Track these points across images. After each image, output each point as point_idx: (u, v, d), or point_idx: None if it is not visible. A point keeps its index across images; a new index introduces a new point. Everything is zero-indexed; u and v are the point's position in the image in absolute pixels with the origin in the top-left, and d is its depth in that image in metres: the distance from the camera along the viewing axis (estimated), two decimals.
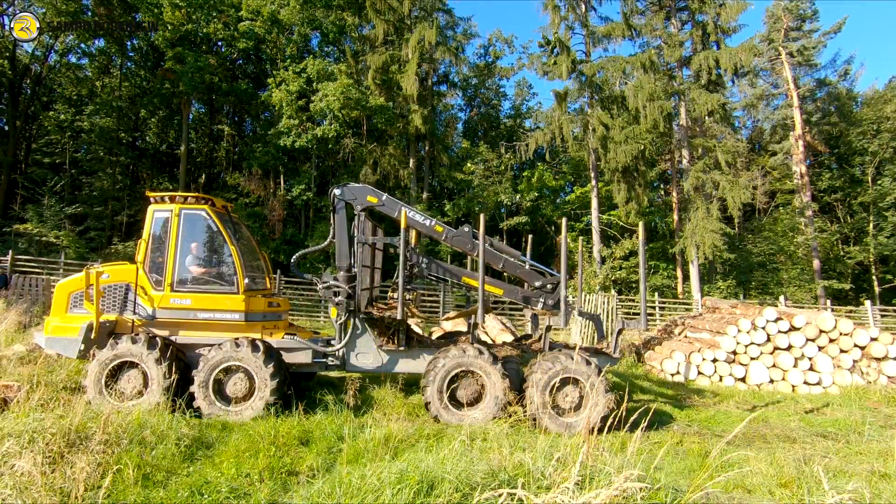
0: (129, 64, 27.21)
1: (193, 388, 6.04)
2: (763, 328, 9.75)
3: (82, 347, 6.12)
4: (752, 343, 9.77)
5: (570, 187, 33.06)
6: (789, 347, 9.65)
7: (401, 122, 24.37)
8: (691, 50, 24.65)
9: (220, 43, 25.56)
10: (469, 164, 28.96)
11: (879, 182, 27.09)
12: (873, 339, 9.74)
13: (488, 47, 35.31)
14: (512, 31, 55.86)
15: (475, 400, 6.29)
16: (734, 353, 9.82)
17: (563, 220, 6.80)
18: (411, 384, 7.91)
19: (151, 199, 6.75)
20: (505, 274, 7.29)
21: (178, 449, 4.55)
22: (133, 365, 6.05)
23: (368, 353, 6.76)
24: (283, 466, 4.37)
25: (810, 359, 9.62)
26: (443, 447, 4.21)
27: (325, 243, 7.20)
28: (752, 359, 9.75)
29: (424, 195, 25.34)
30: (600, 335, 7.69)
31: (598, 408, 5.84)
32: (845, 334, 9.72)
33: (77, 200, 24.24)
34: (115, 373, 6.07)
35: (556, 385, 6.08)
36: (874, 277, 27.60)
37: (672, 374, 9.97)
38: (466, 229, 6.94)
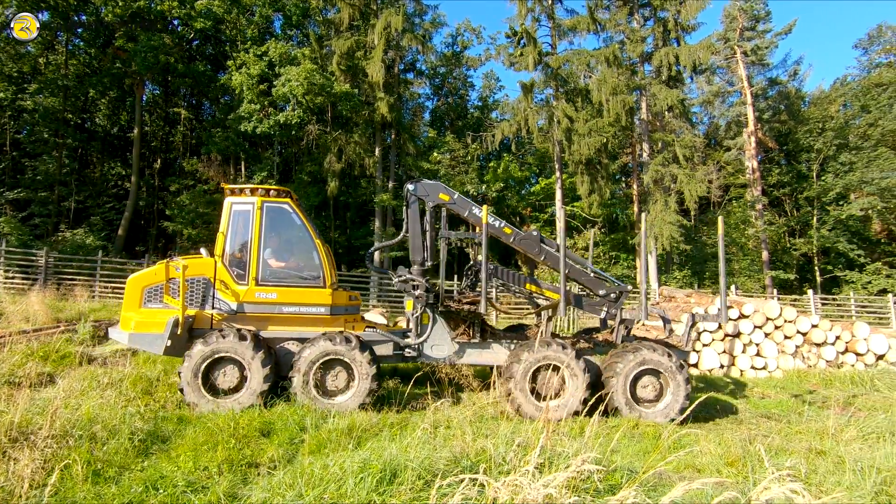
0: (76, 40, 25.58)
1: (293, 382, 6.09)
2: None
3: (169, 343, 6.00)
4: (704, 330, 10.22)
5: (535, 178, 33.46)
6: (738, 334, 10.15)
7: (366, 109, 23.94)
8: (653, 46, 25.23)
9: (175, 21, 24.37)
10: (436, 154, 28.85)
11: (823, 178, 28.60)
12: (814, 326, 10.36)
13: (456, 37, 35.17)
14: (480, 23, 55.84)
15: (554, 393, 6.46)
16: None
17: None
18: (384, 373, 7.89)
19: (227, 191, 6.68)
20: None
21: (132, 443, 4.39)
22: (229, 360, 6.00)
23: (443, 345, 6.95)
24: (244, 458, 4.29)
25: (757, 345, 10.16)
26: (406, 435, 4.23)
27: (399, 238, 7.31)
28: (704, 345, 10.20)
29: (390, 184, 25.07)
30: (668, 330, 7.83)
31: (679, 397, 6.26)
32: (789, 321, 10.30)
33: (19, 184, 22.83)
34: (211, 369, 6.01)
35: (637, 375, 6.39)
36: (816, 268, 29.22)
37: None
38: (535, 233, 7.08)
